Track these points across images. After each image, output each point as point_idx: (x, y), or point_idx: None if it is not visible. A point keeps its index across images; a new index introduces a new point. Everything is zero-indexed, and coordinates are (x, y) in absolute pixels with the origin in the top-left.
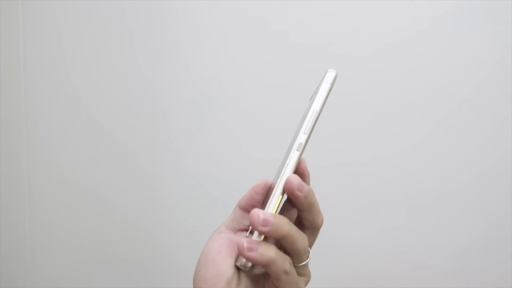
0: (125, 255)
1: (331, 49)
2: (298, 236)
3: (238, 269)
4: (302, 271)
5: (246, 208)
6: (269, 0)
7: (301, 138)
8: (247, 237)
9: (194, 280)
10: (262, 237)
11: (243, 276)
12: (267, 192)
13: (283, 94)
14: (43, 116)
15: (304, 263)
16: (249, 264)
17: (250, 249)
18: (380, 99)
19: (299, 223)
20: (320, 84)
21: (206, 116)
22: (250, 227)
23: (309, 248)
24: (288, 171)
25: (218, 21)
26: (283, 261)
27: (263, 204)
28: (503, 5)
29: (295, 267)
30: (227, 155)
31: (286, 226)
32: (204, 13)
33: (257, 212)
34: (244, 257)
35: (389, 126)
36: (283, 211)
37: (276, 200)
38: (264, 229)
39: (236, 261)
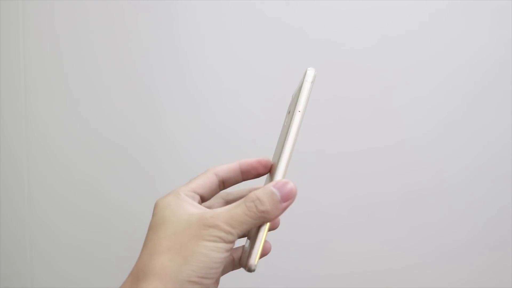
0: (125, 256)
1: (332, 44)
2: None
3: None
4: None
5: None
6: None
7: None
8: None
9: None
10: None
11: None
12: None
13: (285, 93)
14: (43, 117)
15: None
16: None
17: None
18: (380, 96)
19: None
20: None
21: (205, 116)
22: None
23: None
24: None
25: (217, 18)
26: None
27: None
28: (503, 2)
29: None
30: (228, 155)
31: None
32: (204, 10)
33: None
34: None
35: (388, 123)
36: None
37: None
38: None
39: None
